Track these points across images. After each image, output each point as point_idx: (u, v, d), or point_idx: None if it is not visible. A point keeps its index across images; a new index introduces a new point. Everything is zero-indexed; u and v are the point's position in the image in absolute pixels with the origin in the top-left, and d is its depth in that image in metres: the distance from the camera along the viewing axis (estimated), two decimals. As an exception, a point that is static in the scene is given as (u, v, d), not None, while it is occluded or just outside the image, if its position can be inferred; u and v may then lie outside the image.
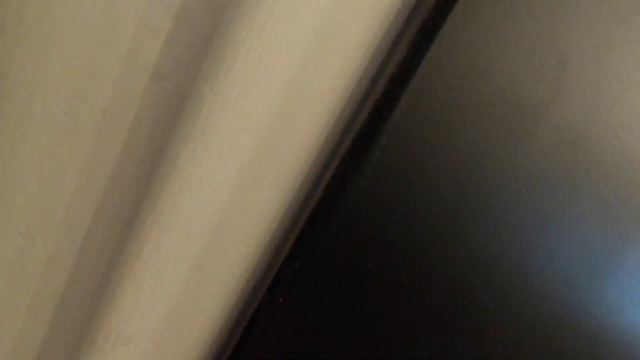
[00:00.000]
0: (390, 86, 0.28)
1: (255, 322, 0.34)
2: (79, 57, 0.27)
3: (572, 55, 0.31)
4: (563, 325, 0.38)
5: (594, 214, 0.36)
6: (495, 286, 0.36)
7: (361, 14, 0.27)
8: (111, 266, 0.32)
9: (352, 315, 0.34)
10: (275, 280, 0.32)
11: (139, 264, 0.31)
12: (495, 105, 0.30)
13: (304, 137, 0.31)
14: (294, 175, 0.32)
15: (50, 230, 0.31)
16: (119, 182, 0.30)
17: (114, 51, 0.26)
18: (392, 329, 0.35)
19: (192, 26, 0.26)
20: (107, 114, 0.28)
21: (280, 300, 0.33)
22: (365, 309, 0.34)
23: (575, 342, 0.38)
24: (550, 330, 0.38)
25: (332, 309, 0.34)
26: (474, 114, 0.29)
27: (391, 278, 0.33)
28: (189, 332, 0.35)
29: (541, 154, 0.33)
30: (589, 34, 0.30)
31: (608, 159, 0.35)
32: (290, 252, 0.31)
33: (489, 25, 0.28)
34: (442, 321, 0.35)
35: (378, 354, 0.35)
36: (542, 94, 0.31)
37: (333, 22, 0.27)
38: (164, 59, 0.27)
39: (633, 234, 0.39)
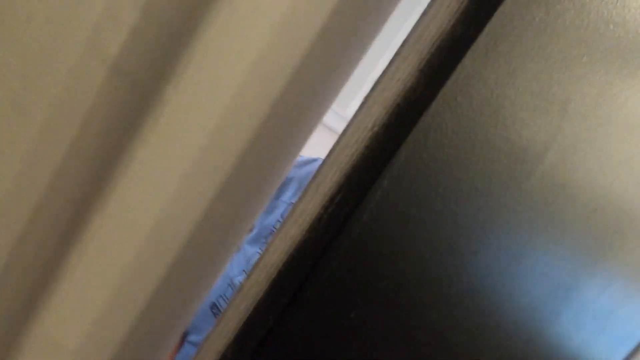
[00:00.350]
0: (394, 118, 0.24)
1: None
2: (30, 43, 0.24)
3: (572, 101, 0.30)
4: (527, 346, 0.40)
5: (561, 253, 0.37)
6: (476, 320, 0.35)
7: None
8: (47, 267, 0.29)
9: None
10: (243, 337, 0.27)
11: (75, 265, 0.29)
12: (500, 147, 0.28)
13: (267, 151, 0.30)
14: (248, 188, 0.31)
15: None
16: (63, 180, 0.28)
17: (71, 39, 0.24)
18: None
19: (160, 23, 0.24)
20: (58, 106, 0.26)
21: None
22: None
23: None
24: (517, 351, 0.39)
25: None
26: (480, 154, 0.27)
27: (373, 329, 0.29)
28: (121, 338, 0.33)
29: (530, 198, 0.33)
30: (589, 79, 0.30)
31: (584, 205, 0.35)
32: (263, 306, 0.27)
33: (507, 62, 0.25)
34: None
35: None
36: (543, 139, 0.31)
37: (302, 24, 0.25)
38: (126, 53, 0.25)
39: (589, 271, 0.41)
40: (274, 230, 0.92)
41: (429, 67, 0.24)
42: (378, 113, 0.26)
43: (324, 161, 0.27)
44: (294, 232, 0.26)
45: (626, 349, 0.59)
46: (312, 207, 0.26)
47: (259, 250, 0.92)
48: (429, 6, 0.26)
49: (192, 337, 0.91)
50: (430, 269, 0.28)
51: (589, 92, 0.32)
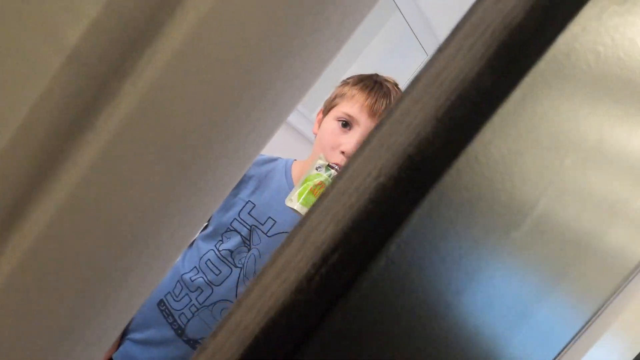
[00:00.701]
0: (405, 171, 0.21)
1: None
2: None
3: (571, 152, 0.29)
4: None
5: (519, 278, 0.37)
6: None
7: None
8: None
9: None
10: None
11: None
12: (503, 201, 0.26)
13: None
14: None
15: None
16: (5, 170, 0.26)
17: (28, 26, 0.23)
18: None
19: (123, 19, 0.23)
20: (8, 91, 0.25)
21: None
22: None
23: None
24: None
25: None
26: (486, 212, 0.24)
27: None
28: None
29: (517, 244, 0.32)
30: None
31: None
32: None
33: (531, 118, 0.23)
34: None
35: None
36: (539, 190, 0.30)
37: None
38: (84, 44, 0.24)
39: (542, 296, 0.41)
40: (230, 228, 0.87)
41: (450, 118, 0.21)
42: (385, 160, 0.22)
43: (315, 206, 0.24)
44: (276, 289, 0.22)
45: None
46: (300, 262, 0.22)
47: (214, 248, 0.87)
48: (446, 44, 0.23)
49: (136, 335, 0.85)
50: (431, 338, 0.26)
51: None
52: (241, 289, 0.84)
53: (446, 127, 0.21)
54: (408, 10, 1.90)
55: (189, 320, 0.84)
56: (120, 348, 0.86)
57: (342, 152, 0.83)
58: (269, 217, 0.85)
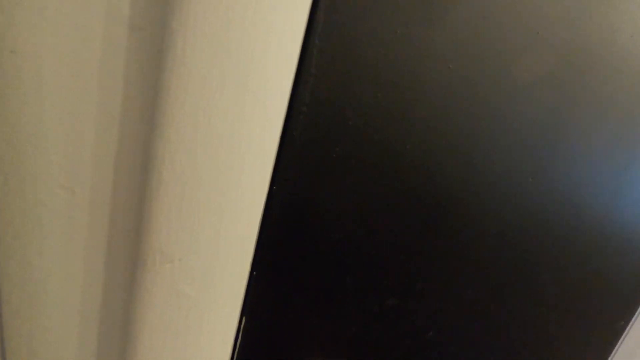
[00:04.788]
0: None
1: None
2: (67, 23, 0.30)
3: None
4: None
5: (518, 79, 0.44)
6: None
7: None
8: (141, 196, 0.36)
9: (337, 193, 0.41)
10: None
11: (160, 188, 0.35)
12: None
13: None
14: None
15: (86, 180, 0.36)
16: (127, 121, 0.34)
17: (93, 10, 0.29)
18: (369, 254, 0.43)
19: None
20: (102, 70, 0.32)
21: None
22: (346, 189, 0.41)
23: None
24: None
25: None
26: (388, 2, 0.34)
27: (356, 159, 0.40)
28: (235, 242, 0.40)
29: (458, 32, 0.37)
30: None
31: (522, 25, 0.40)
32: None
33: None
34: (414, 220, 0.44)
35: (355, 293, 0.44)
36: None
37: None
38: (134, 10, 0.30)
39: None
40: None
41: None
42: None
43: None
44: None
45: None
46: None
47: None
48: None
49: None
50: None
51: None
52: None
53: None
54: None
55: None
56: None
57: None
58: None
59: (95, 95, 0.34)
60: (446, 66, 0.39)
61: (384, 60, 0.37)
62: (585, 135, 0.51)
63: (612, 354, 0.77)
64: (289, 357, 0.47)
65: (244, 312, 0.44)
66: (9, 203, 0.37)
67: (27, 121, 0.34)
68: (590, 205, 0.58)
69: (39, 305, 0.41)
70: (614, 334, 0.78)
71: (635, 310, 0.78)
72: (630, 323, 0.79)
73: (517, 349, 0.63)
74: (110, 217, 0.38)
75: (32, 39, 0.31)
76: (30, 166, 0.36)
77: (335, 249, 0.45)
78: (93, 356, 0.43)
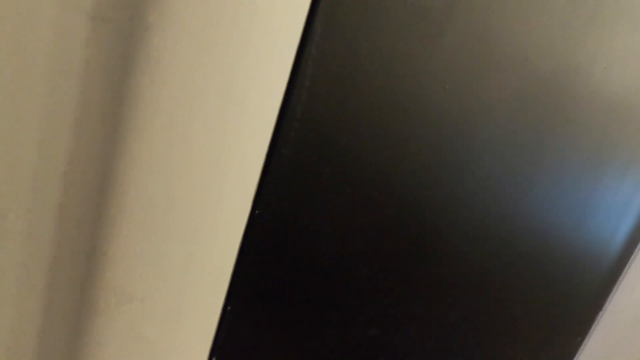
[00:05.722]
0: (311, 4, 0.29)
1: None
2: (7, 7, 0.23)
3: None
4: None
5: (504, 104, 0.43)
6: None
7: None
8: (96, 223, 0.30)
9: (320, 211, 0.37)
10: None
11: (124, 223, 0.30)
12: (400, 10, 0.33)
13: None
14: None
15: (23, 202, 0.28)
16: (82, 130, 0.28)
17: None
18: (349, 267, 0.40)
19: None
20: (53, 67, 0.25)
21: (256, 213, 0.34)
22: (331, 206, 0.37)
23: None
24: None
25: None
26: (384, 19, 0.32)
27: (348, 176, 0.36)
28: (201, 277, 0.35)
29: (454, 53, 0.37)
30: None
31: (512, 52, 0.39)
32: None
33: None
34: (395, 242, 0.42)
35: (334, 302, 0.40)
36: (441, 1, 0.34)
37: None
38: (99, 1, 0.25)
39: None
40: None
41: None
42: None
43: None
44: None
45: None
46: None
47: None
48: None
49: None
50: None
51: None
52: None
53: None
54: None
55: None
56: None
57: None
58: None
59: (41, 97, 0.27)
60: (442, 86, 0.37)
61: (381, 76, 0.34)
62: (558, 163, 0.52)
63: (571, 369, 0.79)
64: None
65: (213, 352, 0.38)
66: None
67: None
68: (557, 230, 0.60)
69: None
70: (573, 348, 0.81)
71: (591, 326, 0.81)
72: (586, 339, 0.82)
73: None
74: (53, 249, 0.31)
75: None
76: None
77: (318, 278, 0.40)
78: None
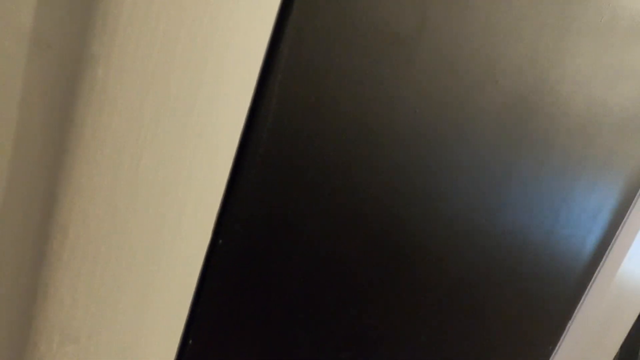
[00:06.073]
0: (276, 23, 0.28)
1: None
2: None
3: None
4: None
5: (476, 124, 0.43)
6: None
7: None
8: (37, 257, 0.28)
9: (285, 256, 0.36)
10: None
11: (66, 252, 0.28)
12: (369, 36, 0.32)
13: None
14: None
15: None
16: (22, 161, 0.26)
17: None
18: (324, 284, 0.39)
19: None
20: None
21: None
22: (298, 249, 0.36)
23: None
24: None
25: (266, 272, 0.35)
26: (353, 45, 0.31)
27: (314, 214, 0.35)
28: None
29: (424, 78, 0.36)
30: None
31: (482, 75, 0.39)
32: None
33: None
34: (371, 258, 0.41)
35: (311, 318, 0.39)
36: (411, 24, 0.33)
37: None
38: (41, 25, 0.23)
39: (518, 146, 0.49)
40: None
41: None
42: None
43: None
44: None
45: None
46: None
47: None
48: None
49: None
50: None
51: None
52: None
53: None
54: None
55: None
56: None
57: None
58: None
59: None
60: (413, 110, 0.36)
61: (350, 101, 0.33)
62: (529, 180, 0.53)
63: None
64: None
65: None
66: None
67: None
68: (530, 241, 0.60)
69: None
70: (545, 357, 0.83)
71: (562, 334, 0.82)
72: (557, 346, 0.83)
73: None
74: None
75: None
76: None
77: (287, 303, 0.39)
78: None
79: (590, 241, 0.74)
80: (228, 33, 0.28)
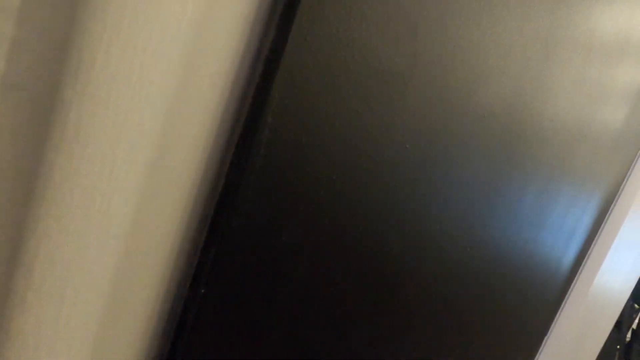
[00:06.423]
0: (266, 68, 0.27)
1: (183, 319, 0.32)
2: None
3: (420, 24, 0.33)
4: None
5: (463, 156, 0.43)
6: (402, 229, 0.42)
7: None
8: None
9: (275, 289, 0.35)
10: (195, 274, 0.30)
11: (31, 293, 0.26)
12: (362, 73, 0.31)
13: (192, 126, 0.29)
14: (188, 166, 0.30)
15: None
16: None
17: None
18: (316, 299, 0.38)
19: (39, 30, 0.22)
20: None
21: (202, 292, 0.31)
22: (288, 281, 0.35)
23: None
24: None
25: (255, 292, 0.34)
26: (347, 83, 0.31)
27: (307, 247, 0.35)
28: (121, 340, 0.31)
29: (415, 112, 0.36)
30: (432, 2, 0.33)
31: (471, 109, 0.40)
32: (205, 244, 0.30)
33: (342, 1, 0.28)
34: (361, 278, 0.40)
35: (304, 328, 0.38)
36: (402, 61, 0.33)
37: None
38: (14, 67, 0.22)
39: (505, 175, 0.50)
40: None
41: (281, 20, 0.27)
42: (256, 67, 0.28)
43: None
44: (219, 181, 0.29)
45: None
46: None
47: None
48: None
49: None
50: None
51: (434, 14, 0.33)
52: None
53: (280, 27, 0.27)
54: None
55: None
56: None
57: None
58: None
59: None
60: (404, 146, 0.36)
61: (342, 139, 0.32)
62: (511, 208, 0.54)
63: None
64: None
65: None
66: None
67: None
68: (511, 261, 0.61)
69: None
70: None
71: (538, 349, 0.84)
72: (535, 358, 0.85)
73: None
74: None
75: None
76: None
77: (276, 322, 0.38)
78: None
79: (567, 259, 0.76)
80: (205, 80, 0.27)
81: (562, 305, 0.84)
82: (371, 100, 0.33)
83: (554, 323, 0.85)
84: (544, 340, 0.84)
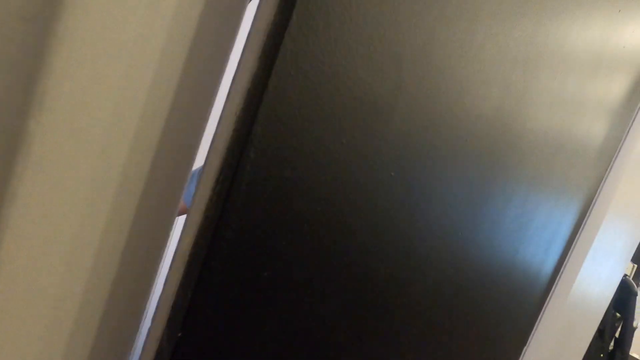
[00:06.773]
0: (248, 100, 0.26)
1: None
2: None
3: (404, 54, 0.33)
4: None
5: (447, 178, 0.43)
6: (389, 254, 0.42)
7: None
8: None
9: (256, 330, 0.34)
10: (170, 317, 0.29)
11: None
12: (347, 105, 0.31)
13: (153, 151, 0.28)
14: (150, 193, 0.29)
15: None
16: None
17: None
18: (300, 336, 0.37)
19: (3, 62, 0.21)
20: None
21: (179, 335, 0.30)
22: (269, 317, 0.34)
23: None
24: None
25: (236, 332, 0.33)
26: (331, 115, 0.30)
27: (289, 282, 0.34)
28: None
29: (400, 140, 0.36)
30: (416, 32, 0.33)
31: (453, 134, 0.40)
32: (181, 284, 0.28)
33: (327, 34, 0.28)
34: (346, 306, 0.39)
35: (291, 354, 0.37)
36: (387, 89, 0.34)
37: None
38: None
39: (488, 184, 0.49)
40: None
41: (264, 53, 0.26)
42: (237, 101, 0.28)
43: (208, 152, 0.29)
44: (197, 217, 0.28)
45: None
46: (204, 191, 0.28)
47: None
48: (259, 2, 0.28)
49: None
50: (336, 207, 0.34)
51: (417, 43, 0.34)
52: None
53: (263, 61, 0.26)
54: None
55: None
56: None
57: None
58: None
59: None
60: (389, 174, 0.36)
61: (325, 169, 0.31)
62: (495, 219, 0.54)
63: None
64: None
65: None
66: None
67: None
68: (494, 275, 0.62)
69: None
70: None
71: (520, 353, 0.84)
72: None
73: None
74: None
75: None
76: None
77: (270, 339, 0.36)
78: None
79: (546, 268, 0.77)
80: (182, 114, 0.26)
81: (541, 314, 0.85)
82: (356, 131, 0.33)
83: (532, 333, 0.86)
84: (524, 350, 0.85)
